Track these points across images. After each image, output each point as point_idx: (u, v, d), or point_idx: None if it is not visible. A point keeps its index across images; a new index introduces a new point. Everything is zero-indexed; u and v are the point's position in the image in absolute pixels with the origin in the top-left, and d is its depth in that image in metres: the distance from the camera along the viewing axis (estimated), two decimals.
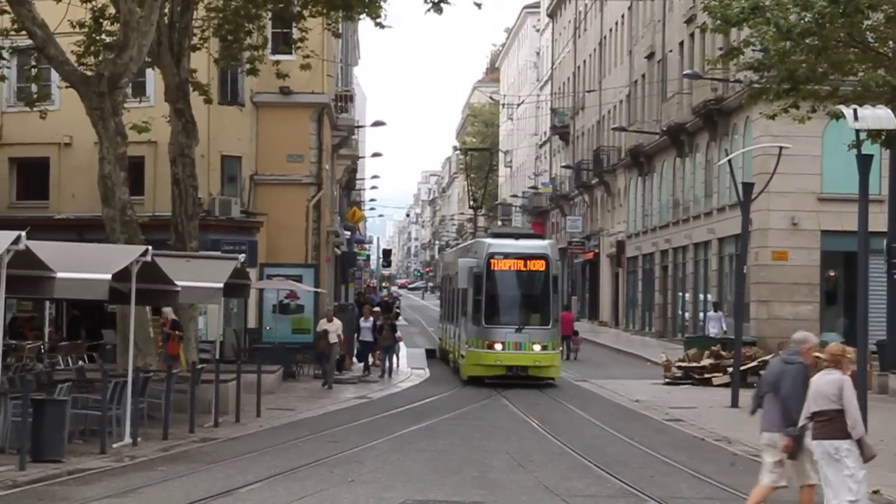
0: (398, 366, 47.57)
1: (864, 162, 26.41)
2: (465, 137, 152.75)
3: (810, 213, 46.94)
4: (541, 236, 46.85)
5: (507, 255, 39.34)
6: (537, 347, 38.70)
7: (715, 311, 48.85)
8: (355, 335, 46.64)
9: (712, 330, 47.79)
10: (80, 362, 33.76)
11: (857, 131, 26.47)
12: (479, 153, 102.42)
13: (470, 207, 66.00)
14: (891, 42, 36.13)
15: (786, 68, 36.16)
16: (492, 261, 39.05)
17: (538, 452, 24.35)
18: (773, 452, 15.98)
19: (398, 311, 69.37)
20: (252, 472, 20.90)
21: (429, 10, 36.32)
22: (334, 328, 40.61)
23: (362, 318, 47.34)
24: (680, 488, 20.34)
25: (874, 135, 30.51)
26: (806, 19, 35.23)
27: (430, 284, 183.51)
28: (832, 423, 15.06)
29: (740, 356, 36.66)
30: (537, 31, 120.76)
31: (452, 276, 45.52)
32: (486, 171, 65.97)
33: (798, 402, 15.55)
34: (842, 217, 41.87)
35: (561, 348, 41.46)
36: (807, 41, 35.55)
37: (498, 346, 38.52)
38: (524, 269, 39.70)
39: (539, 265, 39.44)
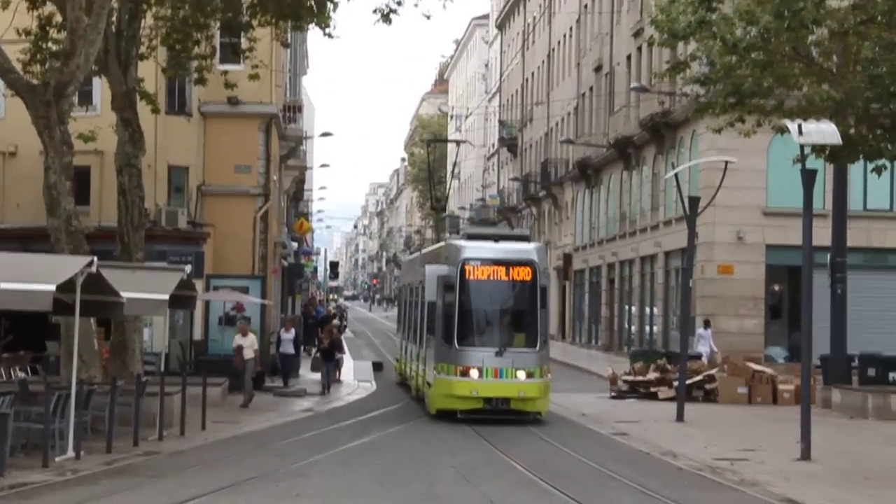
0: (338, 378, 46.81)
1: (809, 177, 26.64)
2: (414, 149, 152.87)
3: (755, 227, 47.32)
4: (526, 237, 37.14)
5: (485, 262, 31.56)
6: (522, 375, 31.00)
7: (705, 328, 46.12)
8: (295, 348, 46.32)
9: (701, 349, 44.80)
10: (23, 374, 33.50)
11: (802, 146, 26.68)
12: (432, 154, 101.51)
13: (432, 208, 59.45)
14: (835, 57, 36.43)
15: (731, 82, 36.40)
16: (466, 268, 31.31)
17: (484, 466, 24.34)
18: None
19: (345, 323, 69.11)
20: (196, 486, 20.87)
21: (378, 20, 36.45)
22: (249, 343, 39.15)
23: (282, 330, 46.42)
24: (624, 502, 20.48)
25: (818, 149, 30.79)
26: (752, 34, 35.49)
27: (377, 296, 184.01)
28: None
29: (686, 370, 36.84)
30: (486, 42, 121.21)
31: (416, 286, 39.03)
32: (451, 168, 61.74)
33: None
34: (786, 231, 42.21)
35: (550, 375, 33.00)
36: (752, 56, 35.80)
37: (474, 374, 30.80)
38: (506, 278, 31.83)
39: (524, 273, 31.63)
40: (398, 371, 46.47)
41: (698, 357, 42.28)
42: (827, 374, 38.46)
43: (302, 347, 49.20)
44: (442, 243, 36.89)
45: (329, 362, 44.83)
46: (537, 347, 31.73)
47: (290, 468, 23.78)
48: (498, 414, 31.21)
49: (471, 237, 34.25)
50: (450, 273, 31.46)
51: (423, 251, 47.23)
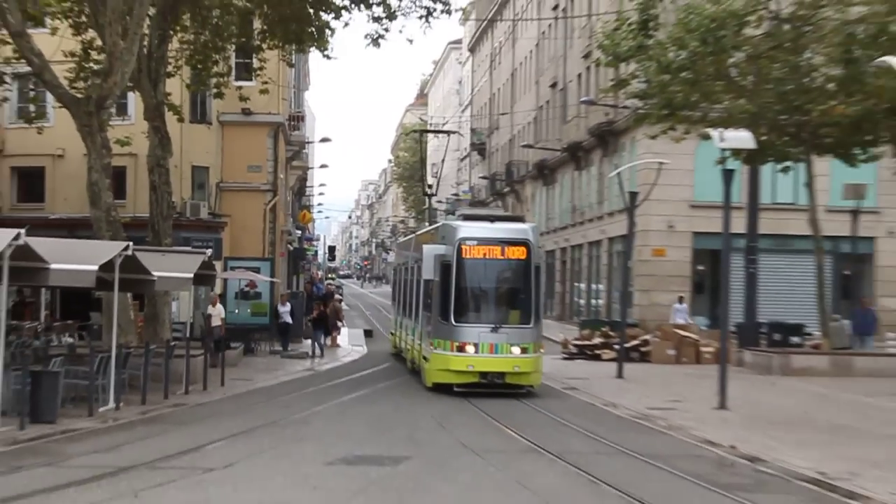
0: (327, 344, 45.90)
1: (728, 175, 26.81)
2: (399, 152, 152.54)
3: (684, 218, 47.42)
4: (520, 218, 33.47)
5: (481, 241, 28.08)
6: (517, 350, 27.56)
7: (680, 303, 44.96)
8: (292, 318, 45.60)
9: (679, 319, 43.39)
10: (71, 340, 33.60)
11: (723, 150, 26.89)
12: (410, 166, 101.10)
13: (424, 194, 54.65)
14: (750, 76, 36.63)
15: (665, 97, 36.61)
16: (463, 247, 27.88)
17: (457, 416, 24.40)
18: None
19: (341, 297, 68.82)
20: (216, 432, 20.94)
21: (368, 44, 36.63)
22: (217, 312, 37.90)
23: (279, 304, 45.23)
24: (573, 444, 20.48)
25: (736, 153, 30.98)
26: (681, 57, 35.70)
27: (368, 275, 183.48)
28: None
29: (625, 336, 37.11)
30: (459, 63, 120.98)
31: (410, 265, 35.96)
32: (442, 156, 58.86)
33: None
34: (710, 221, 42.19)
35: (543, 350, 29.60)
36: (682, 75, 36.02)
37: (470, 349, 27.54)
38: (501, 257, 28.44)
39: (519, 253, 28.19)
40: (393, 344, 43.32)
41: (635, 325, 42.37)
42: (741, 338, 38.67)
43: (304, 317, 48.98)
44: (438, 224, 33.27)
45: (318, 330, 44.34)
46: (531, 324, 28.11)
47: (294, 417, 23.87)
48: (493, 388, 27.68)
49: (466, 218, 30.33)
50: (446, 252, 27.92)
51: (418, 233, 41.83)
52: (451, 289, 27.68)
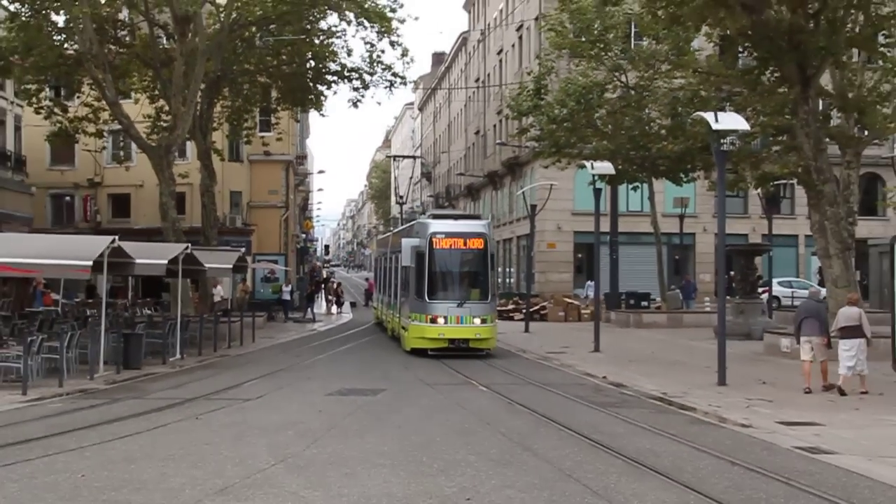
0: (313, 312, 45.30)
1: (597, 193, 27.00)
2: (372, 179, 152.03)
3: (567, 221, 47.45)
4: (478, 216, 30.64)
5: (448, 235, 25.59)
6: (477, 321, 25.17)
7: (589, 280, 41.94)
8: (290, 295, 44.64)
9: (590, 293, 40.71)
10: (150, 311, 33.32)
11: (593, 175, 27.04)
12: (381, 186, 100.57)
13: (396, 203, 50.88)
14: (610, 126, 36.91)
15: (553, 140, 36.85)
16: (434, 240, 25.40)
17: (417, 361, 24.30)
18: (808, 347, 17.25)
19: (340, 282, 68.27)
20: (251, 373, 20.87)
21: (350, 106, 36.85)
22: (217, 291, 37.12)
23: (283, 285, 43.90)
24: (496, 378, 20.45)
25: (601, 177, 31.13)
26: (563, 112, 35.94)
27: (352, 264, 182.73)
28: (854, 331, 16.54)
29: (530, 303, 37.25)
30: (413, 118, 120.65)
31: (389, 256, 32.72)
32: (409, 177, 56.63)
33: (826, 322, 17.44)
34: (585, 223, 42.31)
35: (497, 321, 26.92)
36: (564, 125, 36.27)
37: (441, 321, 25.14)
38: (464, 247, 25.76)
39: (478, 243, 25.63)
40: (375, 316, 39.99)
41: (536, 296, 42.46)
42: (608, 303, 38.96)
43: (305, 294, 48.51)
44: (413, 222, 30.47)
45: (311, 302, 44.63)
46: (488, 299, 25.57)
47: (304, 363, 23.83)
48: (459, 351, 25.04)
49: (436, 217, 27.76)
50: (421, 244, 25.52)
51: (394, 231, 37.87)
52: (426, 273, 25.19)
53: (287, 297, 43.96)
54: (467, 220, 27.48)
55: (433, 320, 25.02)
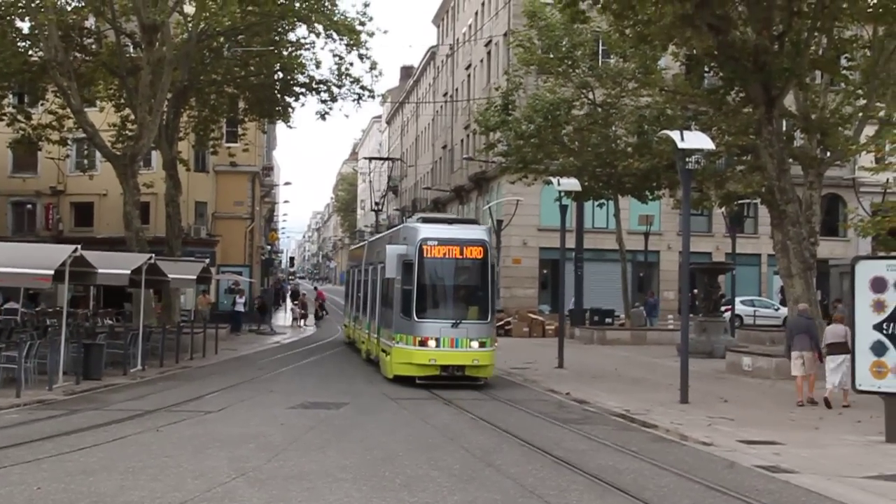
0: (273, 324, 45.50)
1: (563, 209, 27.06)
2: (338, 192, 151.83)
3: (534, 237, 47.54)
4: (475, 221, 25.43)
5: (441, 242, 21.06)
6: (475, 344, 20.86)
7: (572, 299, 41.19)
8: (243, 307, 43.61)
9: (570, 307, 39.45)
10: (111, 321, 32.98)
11: (559, 192, 27.16)
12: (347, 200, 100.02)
13: (372, 210, 46.27)
14: (577, 142, 37.17)
15: (520, 156, 37.04)
16: (424, 247, 20.94)
17: (380, 375, 23.71)
18: (800, 363, 18.06)
19: (305, 293, 67.83)
20: (213, 386, 20.75)
21: (318, 118, 36.74)
22: (200, 303, 38.44)
23: (237, 296, 43.02)
24: (459, 394, 20.21)
25: (568, 193, 31.30)
26: (531, 128, 36.15)
27: (317, 276, 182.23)
28: (840, 347, 17.03)
29: (496, 318, 37.10)
30: (380, 131, 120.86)
31: (363, 267, 28.81)
32: (388, 183, 53.98)
33: (817, 338, 18.37)
34: (551, 239, 42.31)
35: (497, 344, 22.67)
36: (531, 141, 36.47)
37: (431, 343, 20.70)
38: (460, 256, 21.19)
39: (477, 252, 21.19)
40: (346, 335, 35.78)
41: (501, 311, 42.38)
42: (572, 319, 39.04)
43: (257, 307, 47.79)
44: (398, 227, 26.58)
45: (264, 314, 44.59)
46: (488, 319, 21.43)
47: (266, 376, 23.64)
48: (453, 380, 20.93)
49: (426, 220, 22.43)
50: (408, 252, 21.06)
51: (370, 239, 31.54)
52: (414, 286, 20.86)
53: (241, 308, 43.29)
54: (464, 224, 22.96)
55: (422, 343, 20.77)
